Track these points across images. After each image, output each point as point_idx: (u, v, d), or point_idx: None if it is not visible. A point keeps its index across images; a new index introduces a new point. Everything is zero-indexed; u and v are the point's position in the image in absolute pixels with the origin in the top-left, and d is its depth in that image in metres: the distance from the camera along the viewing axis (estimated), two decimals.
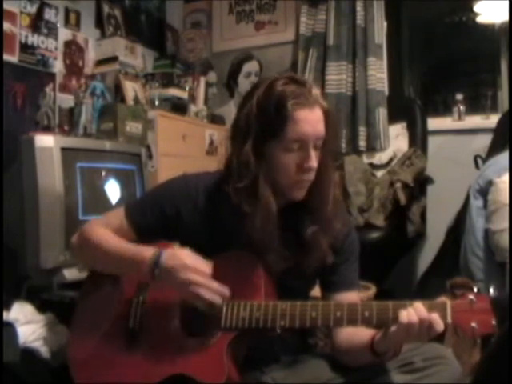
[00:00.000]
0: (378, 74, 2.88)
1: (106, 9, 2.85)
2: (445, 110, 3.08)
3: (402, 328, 1.01)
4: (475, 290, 1.02)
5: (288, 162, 1.12)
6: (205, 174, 1.30)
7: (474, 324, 0.99)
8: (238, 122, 1.17)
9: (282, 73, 1.25)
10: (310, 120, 1.10)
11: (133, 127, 2.39)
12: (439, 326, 1.00)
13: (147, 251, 1.15)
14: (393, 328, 1.04)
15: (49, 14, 2.46)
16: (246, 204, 1.12)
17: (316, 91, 1.13)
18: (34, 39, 2.38)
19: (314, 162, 1.12)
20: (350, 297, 1.22)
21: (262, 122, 1.11)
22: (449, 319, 1.00)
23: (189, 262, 1.10)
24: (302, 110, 1.09)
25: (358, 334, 1.15)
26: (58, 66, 2.52)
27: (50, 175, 1.77)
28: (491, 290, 1.02)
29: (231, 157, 1.17)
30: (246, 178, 1.12)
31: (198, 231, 1.23)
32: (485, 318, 0.99)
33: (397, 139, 2.88)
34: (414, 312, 1.01)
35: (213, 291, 1.10)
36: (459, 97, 2.91)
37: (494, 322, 0.98)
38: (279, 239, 1.16)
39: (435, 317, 1.00)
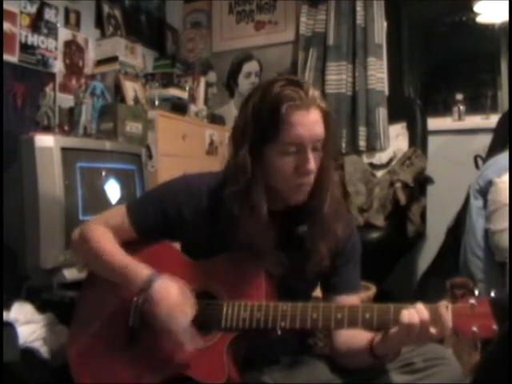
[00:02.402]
0: (378, 74, 2.88)
1: (106, 9, 2.85)
2: (445, 110, 3.08)
3: (403, 328, 1.01)
4: (476, 293, 1.02)
5: (285, 166, 1.11)
6: (207, 175, 1.30)
7: (474, 328, 0.98)
8: (236, 125, 1.17)
9: (283, 73, 1.24)
10: (306, 122, 1.08)
11: (133, 127, 2.39)
12: (447, 326, 0.99)
13: (141, 271, 1.16)
14: (393, 329, 1.04)
15: (49, 14, 2.46)
16: (237, 207, 1.12)
17: (313, 92, 1.11)
18: (33, 39, 2.38)
19: (311, 165, 1.11)
20: (351, 300, 1.22)
21: (257, 126, 1.10)
22: (450, 323, 1.00)
23: (174, 305, 1.11)
24: (297, 112, 1.08)
25: (356, 337, 1.15)
26: (58, 66, 2.52)
27: (50, 175, 1.77)
28: (492, 294, 1.01)
29: (229, 160, 1.17)
30: (242, 182, 1.12)
31: (199, 231, 1.23)
32: (486, 323, 0.98)
33: (397, 139, 2.88)
34: (415, 313, 1.00)
35: (182, 345, 1.11)
36: (459, 97, 2.91)
37: (494, 327, 0.98)
38: (278, 242, 1.15)
39: (445, 317, 0.99)
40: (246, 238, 1.12)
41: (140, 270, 1.16)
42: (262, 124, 1.10)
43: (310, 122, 1.09)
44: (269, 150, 1.11)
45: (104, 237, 1.25)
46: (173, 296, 1.12)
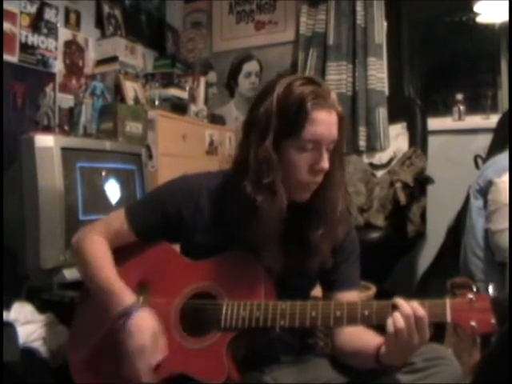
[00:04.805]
0: (378, 73, 2.88)
1: (106, 9, 2.85)
2: (445, 110, 3.08)
3: (391, 336, 1.00)
4: (474, 289, 1.02)
5: (301, 162, 1.13)
6: (206, 175, 1.30)
7: (473, 323, 0.99)
8: (254, 118, 1.15)
9: (283, 73, 1.24)
10: (327, 122, 1.12)
11: (133, 127, 2.39)
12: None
13: (124, 298, 1.16)
14: (387, 340, 1.04)
15: (49, 14, 2.46)
16: (264, 200, 1.11)
17: (334, 95, 1.14)
18: (33, 39, 2.38)
19: (326, 164, 1.13)
20: (351, 296, 1.22)
21: (282, 120, 1.11)
22: (448, 318, 1.00)
23: (145, 345, 1.10)
24: (321, 110, 1.10)
25: (361, 338, 1.15)
26: (58, 66, 2.52)
27: (50, 175, 1.77)
28: (490, 289, 1.02)
29: (246, 153, 1.14)
30: (269, 175, 1.11)
31: (199, 232, 1.23)
32: (484, 317, 0.99)
33: (397, 139, 2.88)
34: (399, 317, 1.00)
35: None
36: (459, 97, 2.91)
37: (493, 321, 0.98)
38: (279, 239, 1.15)
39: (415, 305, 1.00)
40: (257, 231, 1.12)
41: (124, 296, 1.16)
42: (286, 118, 1.11)
43: (330, 122, 1.12)
44: (288, 144, 1.12)
45: (97, 250, 1.25)
46: (146, 334, 1.11)
